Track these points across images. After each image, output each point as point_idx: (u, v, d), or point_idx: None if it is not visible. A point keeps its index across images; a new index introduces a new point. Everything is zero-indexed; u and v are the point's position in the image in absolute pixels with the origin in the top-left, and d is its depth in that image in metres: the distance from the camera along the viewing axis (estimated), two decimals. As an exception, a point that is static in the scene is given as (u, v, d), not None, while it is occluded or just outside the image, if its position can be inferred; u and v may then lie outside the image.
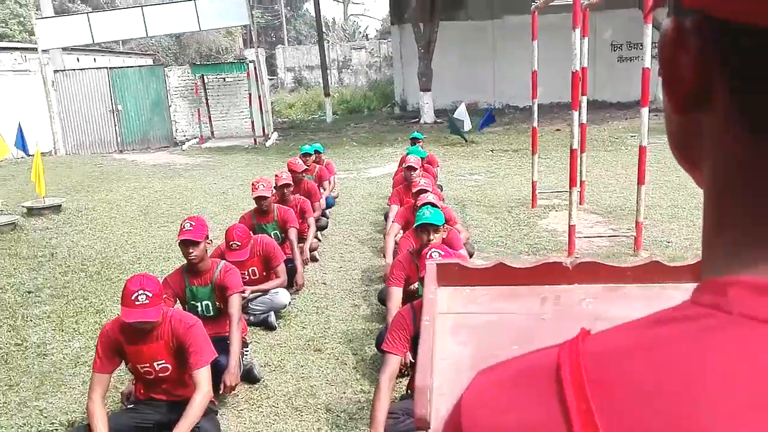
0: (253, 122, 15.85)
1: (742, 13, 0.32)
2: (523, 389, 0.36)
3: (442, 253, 3.14)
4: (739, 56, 0.33)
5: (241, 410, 3.49)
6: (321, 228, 6.83)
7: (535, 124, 7.29)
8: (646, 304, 1.30)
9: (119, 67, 17.43)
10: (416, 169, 6.07)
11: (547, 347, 0.38)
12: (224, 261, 3.92)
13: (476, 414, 0.37)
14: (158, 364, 3.12)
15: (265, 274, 4.69)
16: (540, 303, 1.33)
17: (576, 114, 5.47)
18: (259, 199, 5.34)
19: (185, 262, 3.82)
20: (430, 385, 0.96)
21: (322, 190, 7.66)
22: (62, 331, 4.71)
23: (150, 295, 2.96)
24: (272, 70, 31.09)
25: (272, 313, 4.51)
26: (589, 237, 6.12)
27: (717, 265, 0.37)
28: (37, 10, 17.23)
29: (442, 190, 8.30)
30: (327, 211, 7.62)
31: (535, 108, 7.19)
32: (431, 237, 3.80)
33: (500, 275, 1.38)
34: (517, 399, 0.36)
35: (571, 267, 1.34)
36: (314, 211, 6.42)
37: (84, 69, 16.69)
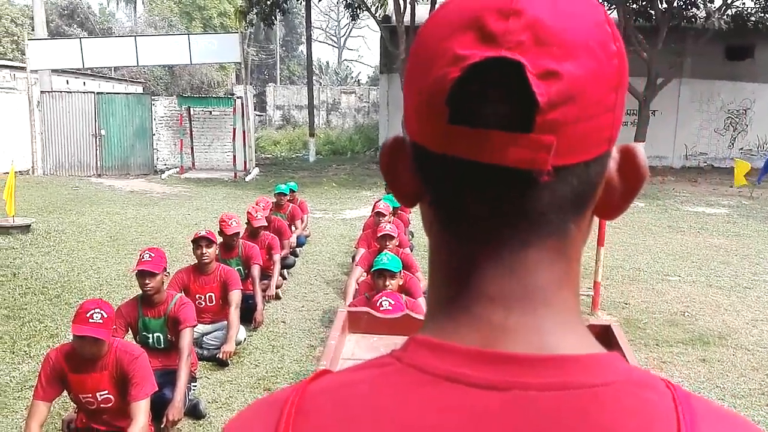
0: (235, 156, 15.96)
1: (422, 139, 0.43)
2: (261, 416, 0.45)
3: (393, 302, 3.20)
4: (425, 167, 0.44)
5: (182, 446, 3.46)
6: (288, 266, 6.86)
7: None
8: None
9: (107, 93, 17.54)
10: (385, 215, 6.18)
11: (293, 384, 0.47)
12: (180, 294, 3.93)
13: (228, 429, 0.47)
14: (101, 395, 3.10)
15: (221, 302, 4.68)
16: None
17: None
18: (233, 236, 5.35)
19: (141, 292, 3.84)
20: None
21: (293, 229, 7.71)
22: (13, 353, 4.64)
23: (105, 315, 2.96)
24: (262, 107, 31.44)
25: (226, 349, 4.50)
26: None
27: (424, 322, 0.48)
28: (31, 30, 17.40)
29: (413, 237, 8.40)
30: (298, 250, 7.66)
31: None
32: (387, 283, 3.87)
33: (406, 326, 1.47)
34: (253, 422, 0.46)
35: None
36: (283, 249, 6.46)
37: (71, 92, 16.77)
